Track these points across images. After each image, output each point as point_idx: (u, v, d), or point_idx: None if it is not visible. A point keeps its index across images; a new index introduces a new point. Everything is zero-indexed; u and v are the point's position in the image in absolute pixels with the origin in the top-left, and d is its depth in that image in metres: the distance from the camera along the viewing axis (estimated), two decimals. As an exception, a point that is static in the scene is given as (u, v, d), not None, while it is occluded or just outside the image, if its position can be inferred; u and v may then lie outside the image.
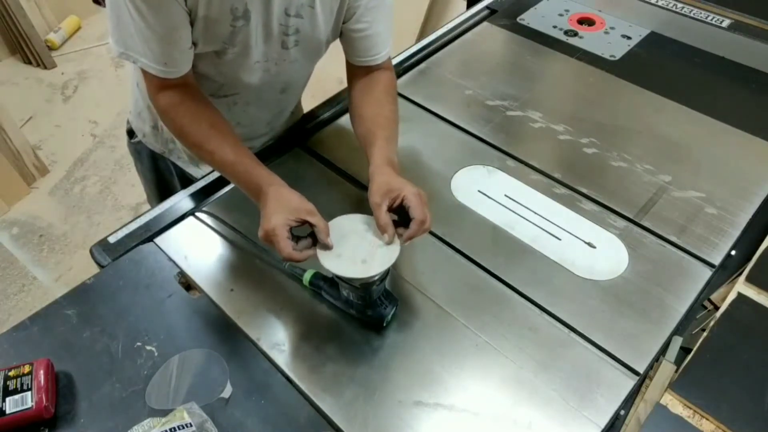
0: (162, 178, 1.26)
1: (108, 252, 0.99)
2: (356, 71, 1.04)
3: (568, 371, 0.83)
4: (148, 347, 0.86)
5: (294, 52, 0.98)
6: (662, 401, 0.79)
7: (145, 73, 0.90)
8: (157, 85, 0.91)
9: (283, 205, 0.83)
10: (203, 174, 1.15)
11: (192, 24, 0.87)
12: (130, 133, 1.25)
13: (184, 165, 1.20)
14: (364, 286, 0.83)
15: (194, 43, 0.90)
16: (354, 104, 1.02)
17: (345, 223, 0.86)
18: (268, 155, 1.16)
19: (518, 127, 1.22)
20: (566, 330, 0.88)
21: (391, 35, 1.03)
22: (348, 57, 1.04)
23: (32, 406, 0.76)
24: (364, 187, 1.08)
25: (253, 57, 0.95)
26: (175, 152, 1.19)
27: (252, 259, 0.97)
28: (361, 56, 1.01)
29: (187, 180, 1.19)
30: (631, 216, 1.04)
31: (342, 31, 1.00)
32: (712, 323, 0.87)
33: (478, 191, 1.08)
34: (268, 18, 0.90)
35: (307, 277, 0.91)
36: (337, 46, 1.04)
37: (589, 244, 0.99)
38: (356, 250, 0.82)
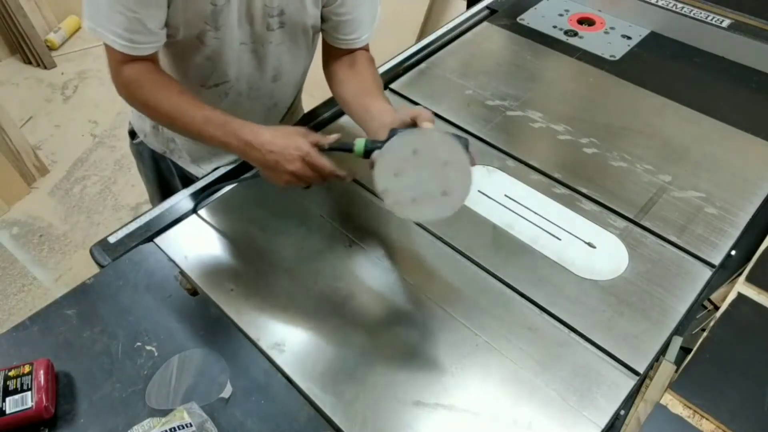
0: (163, 179, 1.26)
1: (108, 252, 0.99)
2: (335, 51, 1.05)
3: (568, 371, 0.83)
4: (148, 347, 0.86)
5: (279, 33, 0.97)
6: (662, 401, 0.79)
7: (109, 51, 0.89)
8: (119, 59, 0.89)
9: (289, 132, 0.85)
10: (204, 173, 1.15)
11: (170, 4, 0.86)
12: (132, 134, 1.25)
13: (185, 164, 1.20)
14: None
15: (175, 28, 0.89)
16: (336, 75, 1.04)
17: (388, 159, 0.78)
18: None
19: (518, 127, 1.22)
20: (566, 330, 0.88)
21: (376, 18, 1.04)
22: (328, 38, 1.05)
23: (32, 406, 0.76)
24: (364, 187, 1.09)
25: (237, 39, 0.94)
26: (176, 152, 1.19)
27: (252, 259, 0.97)
28: (343, 38, 1.03)
29: (188, 180, 1.20)
30: (631, 216, 1.04)
31: (324, 15, 1.01)
32: (712, 323, 0.87)
33: (478, 191, 1.08)
34: None
35: (360, 147, 0.84)
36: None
37: (589, 244, 0.99)
38: (424, 182, 0.76)
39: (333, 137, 0.87)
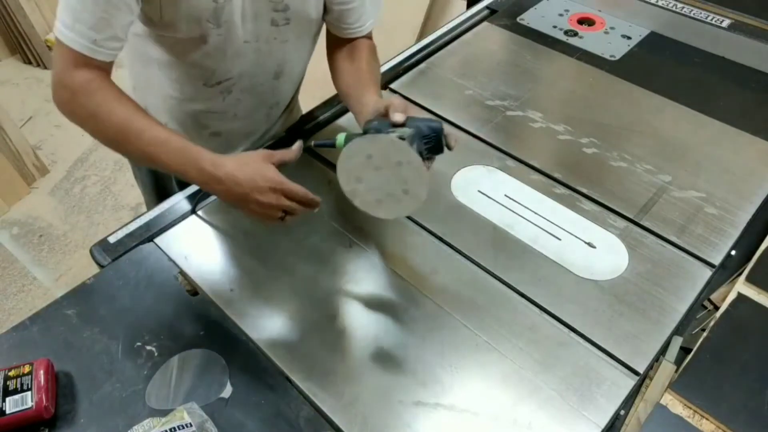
0: (160, 184, 1.25)
1: (108, 252, 0.99)
2: (338, 41, 1.06)
3: (568, 371, 0.83)
4: (148, 347, 0.86)
5: (284, 30, 0.97)
6: (662, 401, 0.79)
7: (62, 50, 0.82)
8: (72, 61, 0.82)
9: (252, 160, 0.81)
10: None
11: (175, 3, 0.84)
12: None
13: None
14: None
15: (174, 25, 0.87)
16: (337, 65, 1.04)
17: (346, 167, 0.80)
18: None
19: (518, 127, 1.22)
20: (566, 330, 0.88)
21: (379, 5, 1.05)
22: (331, 28, 1.05)
23: (32, 406, 0.76)
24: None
25: (241, 37, 0.93)
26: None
27: (252, 259, 0.97)
28: (346, 27, 1.03)
29: (184, 184, 1.19)
30: (631, 216, 1.04)
31: (327, 4, 1.01)
32: (712, 323, 0.88)
33: (478, 191, 1.08)
34: None
35: (341, 142, 0.84)
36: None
37: (589, 244, 0.99)
38: (384, 184, 0.78)
39: (295, 147, 0.86)
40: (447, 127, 0.85)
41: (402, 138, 0.78)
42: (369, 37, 1.08)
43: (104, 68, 0.85)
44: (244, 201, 0.81)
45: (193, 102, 1.06)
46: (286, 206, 0.82)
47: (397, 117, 0.82)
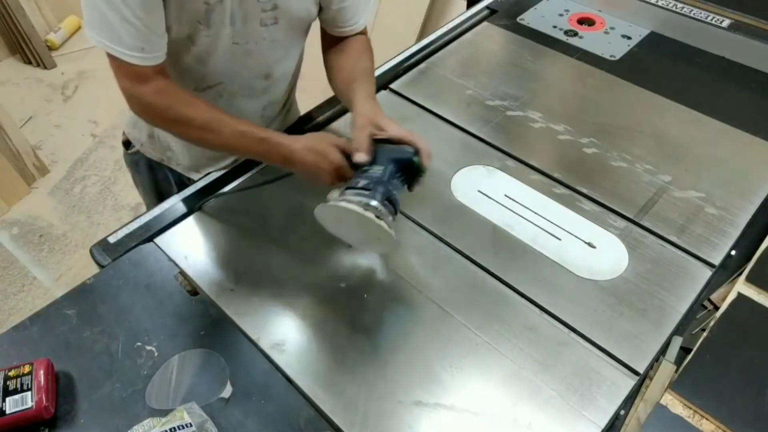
0: (161, 188, 1.24)
1: (108, 252, 0.99)
2: (331, 39, 1.07)
3: (568, 371, 0.83)
4: (148, 347, 0.86)
5: (273, 29, 0.97)
6: (662, 401, 0.79)
7: (118, 65, 0.86)
8: (133, 76, 0.87)
9: (320, 142, 0.90)
10: (202, 177, 1.14)
11: (165, 3, 0.85)
12: (127, 144, 1.23)
13: (184, 171, 1.19)
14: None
15: (168, 27, 0.88)
16: (330, 63, 1.06)
17: (321, 218, 0.89)
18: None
19: (518, 127, 1.22)
20: (566, 330, 0.88)
21: (370, 3, 1.07)
22: (325, 26, 1.06)
23: (32, 406, 0.76)
24: (364, 187, 1.09)
25: (230, 38, 0.93)
26: (174, 159, 1.17)
27: (252, 259, 0.97)
28: (339, 26, 1.04)
29: (184, 186, 1.18)
30: (631, 216, 1.04)
31: (323, 4, 1.01)
32: (712, 323, 0.88)
33: (478, 191, 1.08)
34: None
35: None
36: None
37: (589, 244, 0.99)
38: (359, 234, 0.85)
39: (361, 158, 0.87)
40: (419, 142, 0.87)
41: (367, 204, 0.81)
42: (364, 32, 1.09)
43: (161, 69, 0.90)
44: (314, 177, 0.90)
45: None
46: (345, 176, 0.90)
47: (360, 158, 0.86)
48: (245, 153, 0.98)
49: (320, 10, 1.02)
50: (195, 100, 0.92)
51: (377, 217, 0.80)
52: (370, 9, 1.09)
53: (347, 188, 0.84)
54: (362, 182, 0.84)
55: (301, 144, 0.89)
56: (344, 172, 0.88)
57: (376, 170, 0.85)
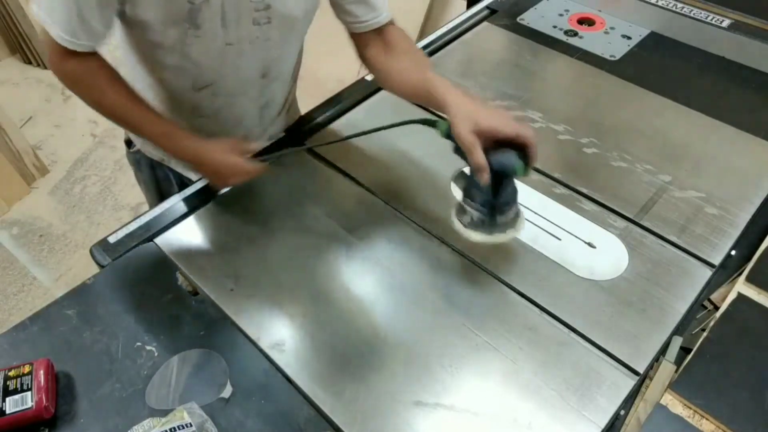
0: (162, 187, 1.25)
1: (108, 252, 0.99)
2: (362, 39, 1.03)
3: (568, 371, 0.83)
4: (148, 347, 0.86)
5: (267, 29, 0.95)
6: (662, 401, 0.79)
7: (50, 40, 0.87)
8: (61, 51, 0.87)
9: (224, 149, 0.97)
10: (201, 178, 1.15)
11: (149, 2, 0.84)
12: (128, 143, 1.23)
13: (183, 170, 1.19)
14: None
15: (151, 27, 0.88)
16: (381, 66, 1.02)
17: None
18: (267, 156, 1.16)
19: (518, 127, 1.22)
20: (566, 330, 0.88)
21: None
22: (348, 27, 1.04)
23: (32, 406, 0.76)
24: (365, 188, 1.09)
25: (223, 39, 0.92)
26: (174, 158, 1.18)
27: (252, 259, 0.97)
28: (360, 21, 1.01)
29: (185, 184, 1.18)
30: (631, 216, 1.04)
31: (332, 1, 1.00)
32: (712, 323, 0.88)
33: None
34: None
35: (443, 130, 0.87)
36: (333, 45, 1.03)
37: (589, 244, 0.99)
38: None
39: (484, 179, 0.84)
40: (527, 137, 0.82)
41: (491, 232, 0.90)
42: (392, 23, 1.05)
43: (91, 53, 0.90)
44: (215, 181, 1.03)
45: (183, 107, 1.06)
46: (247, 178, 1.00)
47: (483, 180, 0.82)
48: (153, 142, 1.03)
49: (335, 6, 1.01)
50: (112, 85, 0.93)
51: (501, 232, 0.89)
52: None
53: (469, 206, 0.89)
54: (478, 198, 0.87)
55: (206, 146, 0.97)
56: (246, 176, 0.99)
57: (486, 187, 0.84)
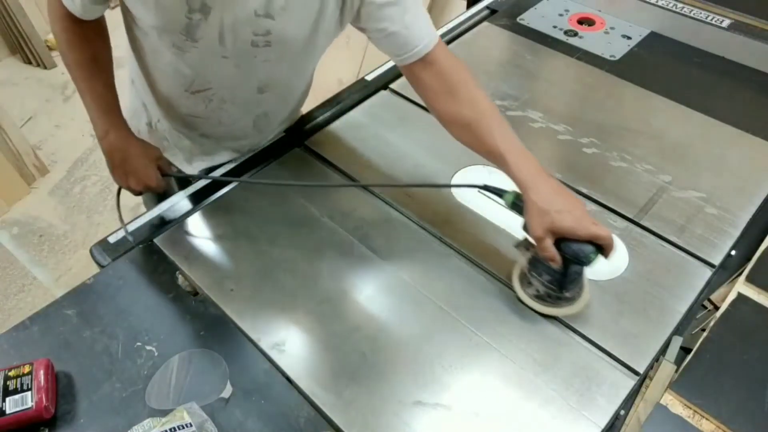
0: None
1: (108, 252, 0.99)
2: (407, 71, 0.95)
3: (568, 371, 0.83)
4: (148, 347, 0.86)
5: (265, 51, 0.92)
6: (662, 401, 0.79)
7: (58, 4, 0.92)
8: (68, 16, 0.93)
9: (146, 153, 1.03)
10: (198, 172, 1.14)
11: (147, 10, 0.85)
12: None
13: (179, 163, 1.19)
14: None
15: (150, 31, 0.89)
16: (438, 110, 0.95)
17: None
18: (267, 155, 1.16)
19: (518, 127, 1.21)
20: (566, 330, 0.88)
21: (426, 21, 0.92)
22: (391, 59, 0.96)
23: (32, 406, 0.76)
24: (365, 188, 1.08)
25: (219, 52, 0.91)
26: (169, 150, 1.17)
27: (252, 259, 0.97)
28: (398, 55, 0.93)
29: (184, 184, 1.18)
30: (631, 216, 1.04)
31: (366, 33, 0.94)
32: (712, 323, 0.88)
33: (479, 191, 1.08)
34: (234, 17, 0.85)
35: (509, 201, 0.88)
36: (333, 45, 1.03)
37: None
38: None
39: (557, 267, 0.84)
40: (605, 238, 0.80)
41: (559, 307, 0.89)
42: (441, 52, 0.92)
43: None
44: (119, 174, 1.06)
45: (178, 106, 1.06)
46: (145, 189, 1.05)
47: (555, 266, 0.83)
48: (93, 116, 1.04)
49: (369, 37, 0.94)
50: (91, 43, 0.97)
51: (569, 305, 0.88)
52: (426, 20, 0.93)
53: (536, 280, 0.88)
54: (545, 275, 0.86)
55: (131, 143, 1.03)
56: (153, 189, 1.04)
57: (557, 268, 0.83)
